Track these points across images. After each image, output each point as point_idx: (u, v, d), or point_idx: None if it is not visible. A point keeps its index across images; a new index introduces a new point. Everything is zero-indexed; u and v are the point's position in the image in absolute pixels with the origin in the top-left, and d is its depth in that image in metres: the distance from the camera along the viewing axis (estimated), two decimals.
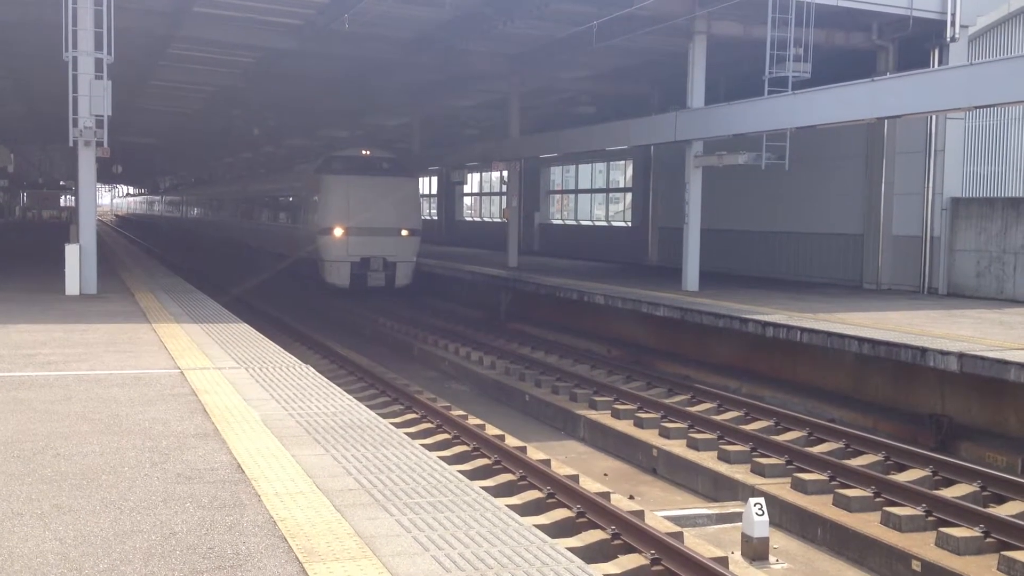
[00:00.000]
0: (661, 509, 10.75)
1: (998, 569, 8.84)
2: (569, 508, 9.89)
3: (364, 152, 30.02)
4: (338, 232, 28.00)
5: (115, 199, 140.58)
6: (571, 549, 7.92)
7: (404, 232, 28.66)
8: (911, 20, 20.70)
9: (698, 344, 19.16)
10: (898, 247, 22.34)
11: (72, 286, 18.41)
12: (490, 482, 10.94)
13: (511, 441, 12.98)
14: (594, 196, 39.73)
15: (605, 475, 12.76)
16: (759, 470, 11.79)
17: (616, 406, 15.03)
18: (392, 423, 11.89)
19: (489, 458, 11.88)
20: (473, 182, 48.73)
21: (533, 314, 25.38)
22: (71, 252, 18.48)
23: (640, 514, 9.85)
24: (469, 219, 51.12)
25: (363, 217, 28.05)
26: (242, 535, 5.56)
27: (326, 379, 10.74)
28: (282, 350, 12.73)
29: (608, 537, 9.10)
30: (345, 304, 28.63)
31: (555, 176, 42.55)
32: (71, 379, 10.23)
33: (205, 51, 27.34)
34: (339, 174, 28.58)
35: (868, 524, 9.97)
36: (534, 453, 12.42)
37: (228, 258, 44.64)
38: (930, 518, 9.87)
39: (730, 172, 23.26)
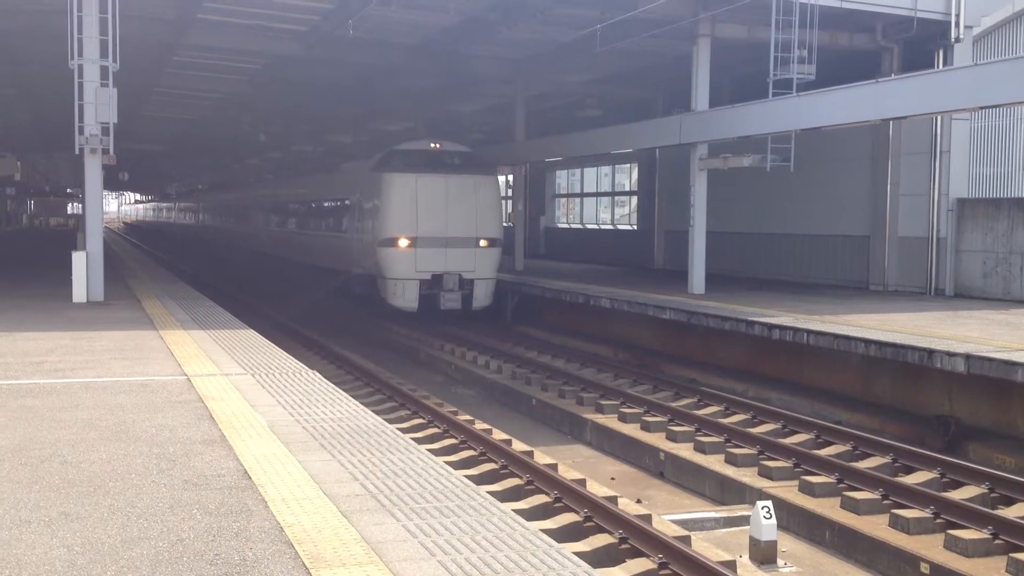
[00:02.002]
0: (668, 513, 10.74)
1: (1006, 571, 8.81)
2: (576, 512, 9.88)
3: (433, 145, 24.90)
4: (403, 243, 23.37)
5: (123, 206, 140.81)
6: (578, 553, 7.92)
7: (483, 242, 24.02)
8: (915, 21, 20.67)
9: (704, 347, 19.14)
10: (904, 248, 22.30)
11: (79, 293, 18.46)
12: (497, 487, 10.93)
13: (518, 445, 12.97)
14: (600, 199, 39.73)
15: (612, 479, 12.75)
16: (766, 473, 11.76)
17: (623, 410, 15.01)
18: (398, 428, 11.90)
19: (496, 463, 11.87)
20: None
21: (539, 318, 25.40)
22: (78, 259, 18.53)
23: (647, 518, 9.84)
24: None
25: (434, 225, 23.50)
26: (249, 541, 5.57)
27: (332, 385, 10.75)
28: (288, 356, 12.75)
29: (615, 541, 9.09)
30: (350, 308, 28.48)
31: (560, 180, 42.58)
32: (78, 386, 10.26)
33: (210, 58, 27.41)
34: (403, 172, 23.83)
35: (876, 526, 9.95)
36: (541, 457, 12.41)
37: (258, 271, 41.10)
38: (938, 520, 9.84)
39: (735, 174, 23.26)
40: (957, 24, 20.76)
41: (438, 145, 24.81)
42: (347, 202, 26.70)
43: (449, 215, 23.57)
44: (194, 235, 62.36)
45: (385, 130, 41.93)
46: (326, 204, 29.92)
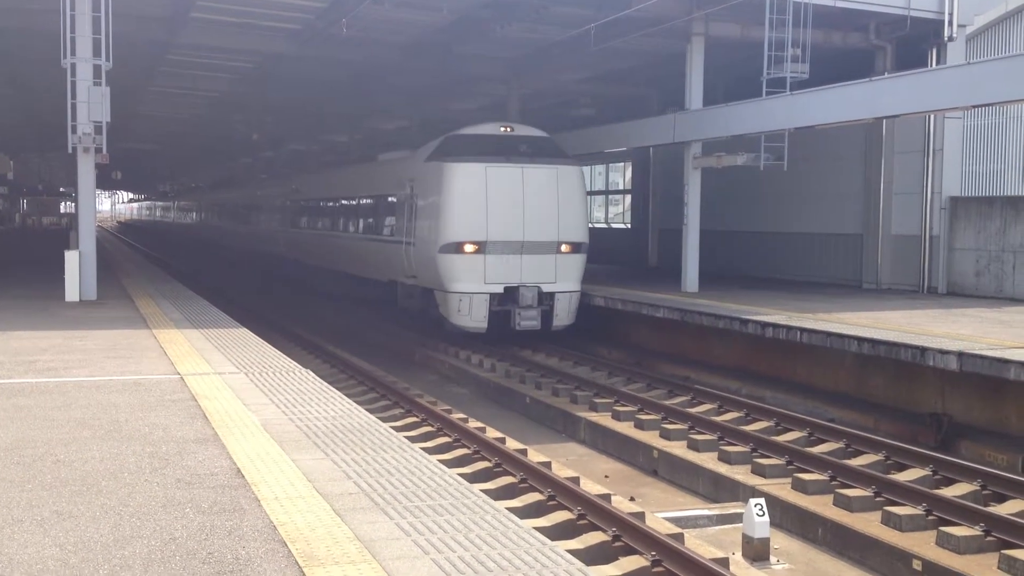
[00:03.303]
0: (662, 510, 10.75)
1: (999, 568, 8.84)
2: (570, 510, 9.90)
3: (503, 128, 21.10)
4: (469, 249, 19.56)
5: (117, 204, 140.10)
6: (572, 551, 7.93)
7: (565, 247, 20.22)
8: (908, 20, 20.71)
9: (698, 345, 19.16)
10: (897, 246, 22.35)
11: (72, 292, 18.42)
12: (491, 485, 10.94)
13: (512, 444, 12.98)
14: (593, 198, 39.75)
15: (606, 477, 12.76)
16: (759, 471, 11.79)
17: (616, 408, 15.03)
18: (392, 427, 11.91)
19: (489, 461, 11.88)
20: None
21: None
22: (71, 258, 18.50)
23: (641, 516, 9.85)
24: None
25: (508, 226, 19.70)
26: (242, 540, 5.57)
27: (326, 383, 10.75)
28: (281, 354, 12.75)
29: (609, 539, 9.10)
30: (343, 307, 28.45)
31: None
32: (71, 385, 10.24)
33: (203, 57, 27.35)
34: (470, 162, 19.82)
35: (869, 524, 9.97)
36: (535, 455, 12.42)
37: (273, 277, 37.75)
38: (931, 517, 9.87)
39: (729, 173, 23.28)
40: (950, 23, 20.82)
41: (510, 128, 20.95)
42: (393, 199, 22.78)
43: (526, 214, 19.79)
44: (197, 236, 58.82)
45: (379, 128, 41.92)
46: (363, 201, 25.82)
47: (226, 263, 46.72)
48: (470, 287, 19.56)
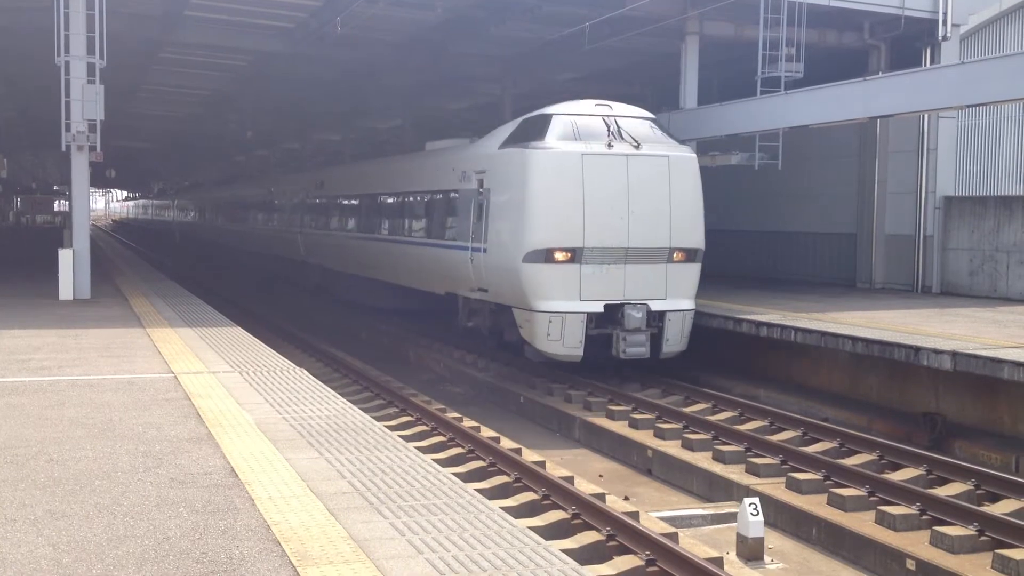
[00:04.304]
0: (656, 510, 10.76)
1: (992, 567, 8.85)
2: (564, 510, 9.89)
3: (599, 107, 16.89)
4: (561, 257, 15.92)
5: (113, 202, 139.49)
6: (566, 551, 7.92)
7: (678, 255, 16.61)
8: (903, 19, 20.75)
9: (692, 344, 19.13)
10: (891, 246, 22.37)
11: (66, 291, 18.39)
12: (485, 484, 10.93)
13: (506, 443, 12.97)
14: None
15: (600, 476, 12.76)
16: (754, 470, 11.79)
17: (611, 407, 15.03)
18: (387, 426, 11.90)
19: (484, 460, 11.88)
20: None
21: None
22: (65, 257, 18.46)
23: (635, 515, 9.86)
24: None
25: (609, 229, 16.02)
26: (236, 539, 5.56)
27: (320, 382, 10.74)
28: (276, 353, 12.73)
29: (603, 538, 9.10)
30: (337, 307, 28.40)
31: None
32: (64, 384, 10.22)
33: (197, 55, 27.33)
34: (561, 148, 16.05)
35: (863, 523, 9.98)
36: (529, 455, 12.42)
37: (287, 284, 34.34)
38: (924, 517, 9.88)
39: (723, 173, 23.29)
40: (944, 22, 20.85)
41: (610, 107, 16.98)
42: (454, 195, 18.92)
43: (631, 214, 16.12)
44: (200, 236, 54.87)
45: (373, 127, 41.91)
46: (410, 199, 21.93)
47: (232, 266, 44.21)
48: (562, 305, 15.86)
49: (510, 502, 10.24)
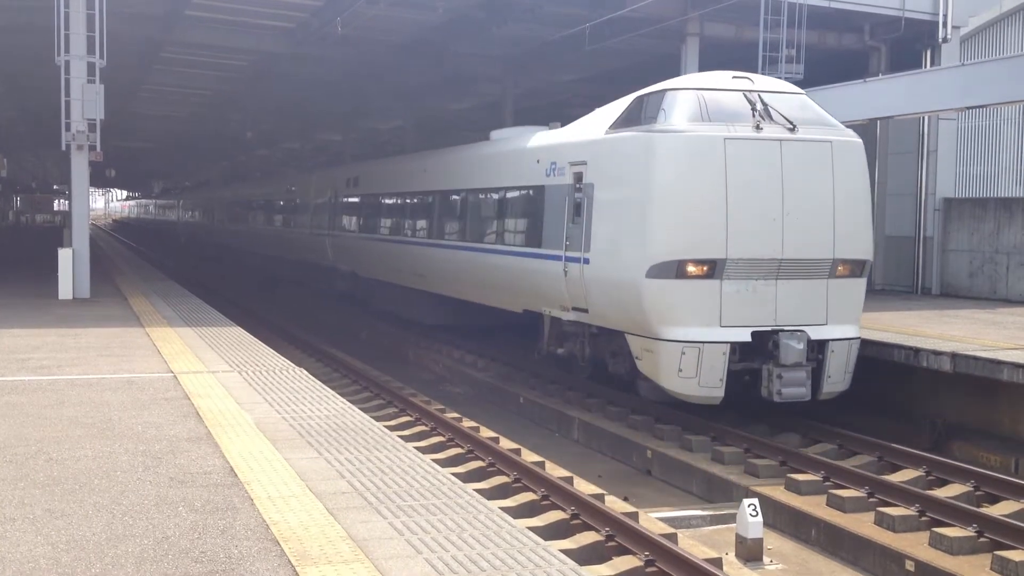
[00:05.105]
0: (655, 510, 10.76)
1: (991, 569, 8.86)
2: (563, 510, 9.89)
3: (739, 80, 13.78)
4: (696, 271, 12.64)
5: (113, 202, 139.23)
6: (565, 551, 7.92)
7: (842, 268, 13.30)
8: (903, 21, 20.75)
9: None
10: (891, 247, 22.37)
11: (65, 290, 18.39)
12: (484, 484, 10.94)
13: (505, 443, 12.97)
14: None
15: (599, 476, 12.75)
16: (753, 471, 11.79)
17: (610, 407, 15.02)
18: (386, 426, 11.90)
19: (483, 460, 11.88)
20: None
21: None
22: (64, 256, 18.46)
23: (634, 515, 9.86)
24: None
25: (758, 235, 12.75)
26: (235, 539, 5.56)
27: (319, 382, 10.74)
28: (275, 353, 12.73)
29: (602, 539, 9.10)
30: (339, 305, 28.33)
31: None
32: (64, 383, 10.22)
33: (198, 55, 27.32)
34: (696, 131, 12.82)
35: (862, 524, 9.98)
36: (528, 455, 12.42)
37: (313, 291, 31.04)
38: (923, 518, 9.89)
39: None
40: (944, 24, 20.87)
41: (751, 80, 13.84)
42: (538, 192, 15.76)
43: (786, 216, 12.83)
44: (209, 237, 51.35)
45: (374, 127, 41.90)
46: (477, 197, 18.50)
47: (244, 271, 41.59)
48: (698, 333, 12.59)
49: (509, 502, 10.24)
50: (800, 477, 11.25)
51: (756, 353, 12.80)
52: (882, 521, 9.95)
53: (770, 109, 13.19)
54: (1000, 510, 10.12)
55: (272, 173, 44.71)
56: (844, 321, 13.26)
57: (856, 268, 13.42)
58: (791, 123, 13.04)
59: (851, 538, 9.81)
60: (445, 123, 39.13)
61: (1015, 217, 19.95)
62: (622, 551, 8.90)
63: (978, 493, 10.73)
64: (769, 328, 12.80)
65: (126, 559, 5.22)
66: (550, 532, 9.27)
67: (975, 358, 12.62)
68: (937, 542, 9.32)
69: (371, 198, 25.20)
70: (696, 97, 13.19)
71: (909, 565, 9.07)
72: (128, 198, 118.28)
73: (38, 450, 7.49)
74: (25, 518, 5.88)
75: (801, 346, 12.71)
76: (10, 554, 5.27)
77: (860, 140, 13.79)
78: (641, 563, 8.56)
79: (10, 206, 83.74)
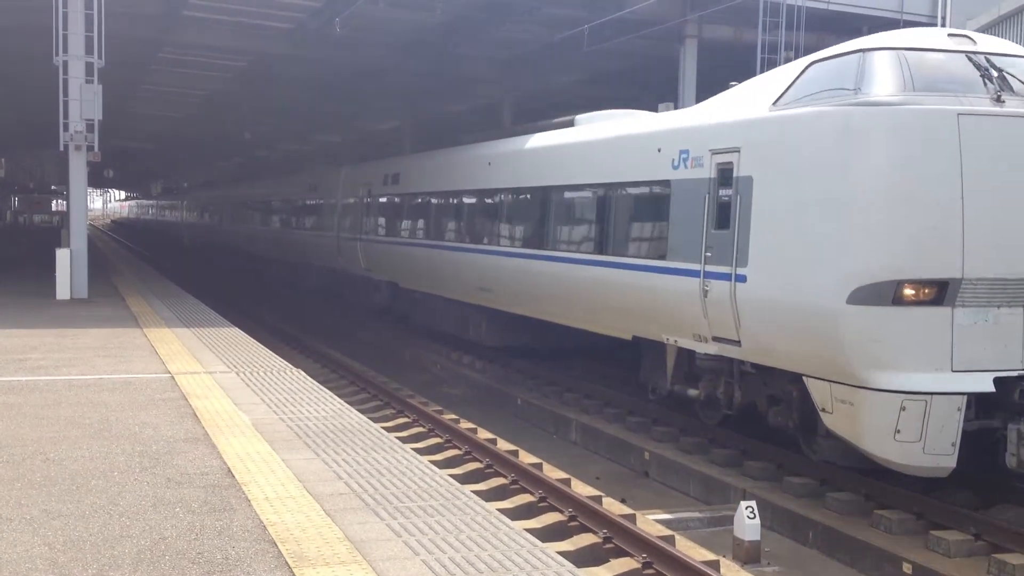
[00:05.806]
0: (653, 512, 10.75)
1: (988, 572, 8.85)
2: (561, 512, 9.89)
3: (957, 39, 10.54)
4: (916, 294, 9.55)
5: (112, 202, 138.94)
6: (562, 553, 7.91)
7: None
8: (901, 23, 20.75)
9: None
10: None
11: (63, 290, 18.38)
12: (482, 486, 10.93)
13: (503, 445, 12.97)
14: None
15: (597, 478, 12.74)
16: (751, 473, 11.78)
17: (608, 409, 15.01)
18: (383, 427, 11.88)
19: (481, 462, 11.87)
20: None
21: None
22: (62, 257, 18.45)
23: (632, 517, 9.85)
24: None
25: (1003, 247, 9.65)
26: (231, 540, 5.55)
27: (317, 383, 10.73)
28: (273, 354, 12.72)
29: (600, 541, 9.09)
30: (336, 305, 28.32)
31: None
32: (61, 384, 10.21)
33: (196, 55, 27.32)
34: (912, 105, 9.63)
35: (859, 527, 9.98)
36: (526, 457, 12.41)
37: (347, 305, 27.67)
38: (921, 521, 9.87)
39: None
40: (943, 26, 20.87)
41: (971, 39, 10.62)
42: (661, 189, 12.68)
43: None
44: (215, 240, 47.87)
45: (373, 129, 41.90)
46: (566, 196, 15.34)
47: (255, 275, 39.29)
48: (923, 380, 9.52)
49: (507, 504, 10.24)
50: (797, 479, 11.23)
51: (999, 407, 9.69)
52: (879, 524, 9.94)
53: (1007, 76, 9.99)
54: (998, 513, 10.09)
55: (291, 171, 41.41)
56: None
57: None
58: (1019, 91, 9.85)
59: (848, 540, 9.79)
60: (444, 124, 39.16)
61: None
62: (620, 553, 8.90)
63: (976, 496, 10.70)
64: (1017, 373, 9.66)
65: (123, 559, 5.21)
66: (548, 534, 9.27)
67: None
68: (934, 545, 9.31)
69: (417, 197, 21.66)
70: (898, 59, 10.03)
71: (906, 568, 9.07)
72: (127, 198, 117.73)
73: (35, 450, 7.48)
74: (22, 518, 5.87)
75: None
76: (7, 554, 5.26)
77: None
78: (639, 565, 8.55)
79: (8, 206, 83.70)
